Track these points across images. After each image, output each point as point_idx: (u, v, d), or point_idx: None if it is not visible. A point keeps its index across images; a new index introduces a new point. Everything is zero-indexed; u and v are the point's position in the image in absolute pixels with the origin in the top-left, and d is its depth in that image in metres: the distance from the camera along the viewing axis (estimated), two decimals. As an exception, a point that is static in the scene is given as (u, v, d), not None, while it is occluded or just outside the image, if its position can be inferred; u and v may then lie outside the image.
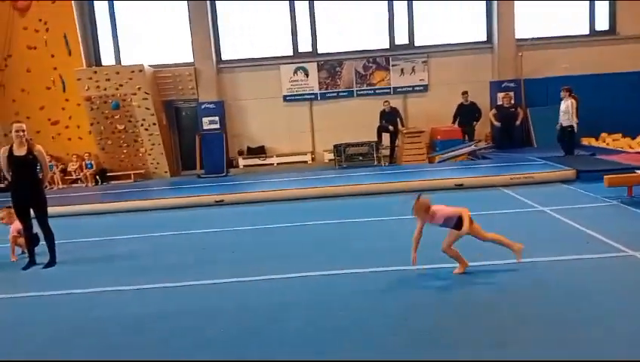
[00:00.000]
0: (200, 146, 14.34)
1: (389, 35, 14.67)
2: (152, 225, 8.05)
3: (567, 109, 10.60)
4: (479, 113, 13.47)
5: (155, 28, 14.75)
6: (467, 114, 13.44)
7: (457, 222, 4.55)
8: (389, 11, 14.55)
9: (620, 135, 13.00)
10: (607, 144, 12.65)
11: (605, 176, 7.49)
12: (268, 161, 14.59)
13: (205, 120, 14.31)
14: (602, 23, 14.32)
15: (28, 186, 5.88)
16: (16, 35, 14.42)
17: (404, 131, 13.49)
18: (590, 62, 13.78)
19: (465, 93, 13.48)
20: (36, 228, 6.06)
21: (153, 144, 14.10)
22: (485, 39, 14.56)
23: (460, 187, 8.91)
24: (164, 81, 14.50)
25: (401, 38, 14.67)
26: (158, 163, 14.32)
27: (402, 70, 14.53)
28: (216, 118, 14.31)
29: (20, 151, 5.83)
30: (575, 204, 7.22)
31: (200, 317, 4.10)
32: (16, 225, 6.20)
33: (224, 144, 14.26)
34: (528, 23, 14.18)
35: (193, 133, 14.65)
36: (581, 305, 3.84)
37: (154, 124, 13.90)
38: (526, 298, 4.05)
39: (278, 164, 14.52)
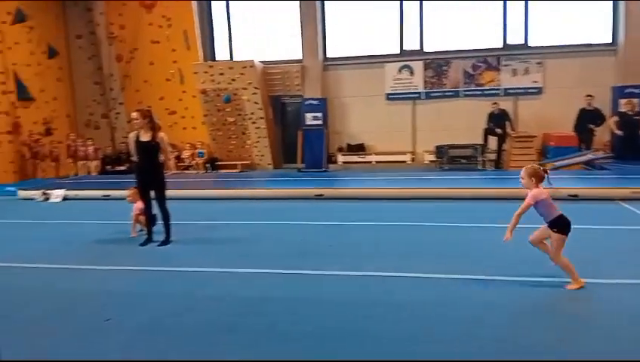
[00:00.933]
0: (302, 141, 14.71)
1: (503, 34, 14.05)
2: (256, 213, 8.39)
3: None
4: (601, 119, 12.48)
5: (266, 25, 15.33)
6: (588, 120, 12.40)
7: (554, 220, 4.25)
8: (503, 9, 13.94)
9: None
10: None
11: None
12: (367, 158, 14.63)
13: (308, 115, 14.64)
14: None
15: (150, 169, 6.37)
16: (142, 30, 15.69)
17: (514, 135, 12.84)
18: None
19: (589, 96, 12.49)
20: (155, 209, 6.56)
21: (259, 137, 14.70)
22: (610, 41, 13.47)
23: (574, 198, 8.33)
24: (273, 77, 15.04)
25: (515, 38, 14.00)
26: (262, 155, 14.91)
27: (514, 71, 13.87)
28: (319, 114, 14.58)
29: (145, 137, 6.32)
30: None
31: (305, 305, 4.20)
32: (139, 204, 6.74)
33: (325, 140, 14.50)
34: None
35: (296, 127, 15.07)
36: None
37: (261, 118, 14.48)
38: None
39: (376, 162, 14.51)
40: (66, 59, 16.18)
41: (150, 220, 6.55)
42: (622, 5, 13.07)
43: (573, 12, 13.61)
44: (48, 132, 15.13)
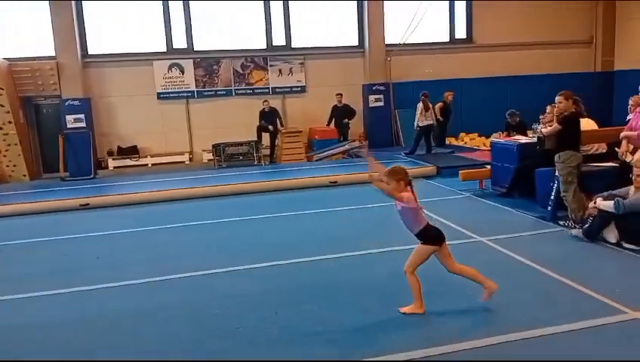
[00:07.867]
0: (63, 147, 13.24)
1: (267, 36, 14.75)
2: (6, 232, 7.32)
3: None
4: (352, 113, 14.04)
5: (12, 18, 13.35)
6: (341, 115, 13.90)
7: (418, 226, 3.69)
8: (265, 12, 14.62)
9: (476, 134, 14.40)
10: (465, 143, 13.91)
11: (460, 171, 8.24)
12: (141, 161, 13.89)
13: (69, 118, 13.23)
14: (461, 32, 15.62)
15: None
16: None
17: (284, 131, 13.64)
18: (450, 67, 15.00)
19: (339, 94, 13.96)
20: None
21: (9, 144, 12.73)
22: (357, 44, 15.22)
23: (334, 184, 9.25)
24: (22, 76, 13.17)
25: (279, 40, 14.84)
26: (15, 165, 12.96)
27: (280, 71, 14.69)
28: (82, 116, 13.28)
29: None
30: (435, 197, 7.83)
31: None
32: None
33: (91, 144, 13.31)
34: (397, 30, 15.01)
35: (56, 132, 13.49)
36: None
37: (9, 122, 12.58)
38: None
39: (152, 164, 13.89)
40: None
41: None
42: (365, 13, 14.85)
43: (328, 17, 14.97)
44: None
